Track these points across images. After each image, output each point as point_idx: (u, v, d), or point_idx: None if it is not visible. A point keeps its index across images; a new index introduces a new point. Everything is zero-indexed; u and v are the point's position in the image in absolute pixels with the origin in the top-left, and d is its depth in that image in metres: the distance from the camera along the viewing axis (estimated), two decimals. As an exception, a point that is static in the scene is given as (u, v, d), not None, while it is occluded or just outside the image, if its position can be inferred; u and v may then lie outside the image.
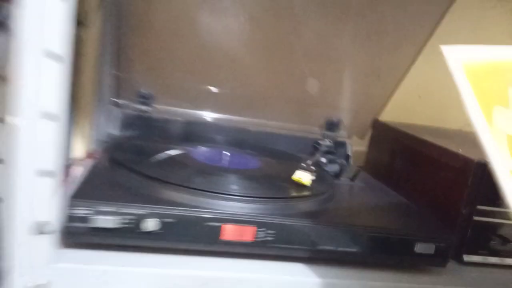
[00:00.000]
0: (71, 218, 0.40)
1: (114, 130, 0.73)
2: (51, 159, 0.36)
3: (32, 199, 0.37)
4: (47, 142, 0.36)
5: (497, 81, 0.34)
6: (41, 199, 0.37)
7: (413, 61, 0.75)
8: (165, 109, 0.73)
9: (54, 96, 0.36)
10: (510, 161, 0.31)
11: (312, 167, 0.58)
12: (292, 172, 0.56)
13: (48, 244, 0.39)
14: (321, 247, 0.47)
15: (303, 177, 0.55)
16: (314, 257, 0.47)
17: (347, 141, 0.81)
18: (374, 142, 0.83)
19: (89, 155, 0.66)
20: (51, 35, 0.35)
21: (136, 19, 0.68)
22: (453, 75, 0.33)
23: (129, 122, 0.73)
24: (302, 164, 0.59)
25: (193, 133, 0.74)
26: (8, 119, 0.34)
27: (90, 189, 0.44)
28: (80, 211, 0.41)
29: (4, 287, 0.38)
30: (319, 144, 0.77)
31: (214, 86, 0.74)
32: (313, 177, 0.56)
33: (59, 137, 0.37)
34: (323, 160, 0.72)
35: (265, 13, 0.70)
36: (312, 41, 0.73)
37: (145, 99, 0.70)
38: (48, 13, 0.35)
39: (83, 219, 0.41)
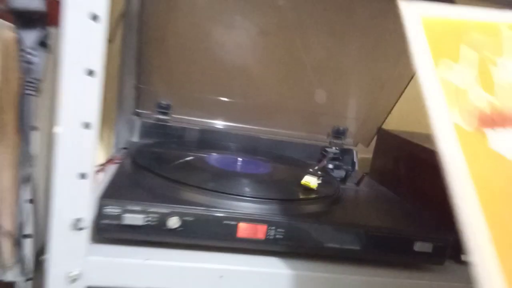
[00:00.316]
0: (103, 216, 0.45)
1: (133, 137, 0.78)
2: (88, 163, 0.41)
3: (72, 199, 0.41)
4: (85, 148, 0.41)
5: (450, 38, 0.35)
6: (78, 199, 0.42)
7: (415, 71, 0.79)
8: (182, 118, 0.78)
9: (91, 108, 0.41)
10: (450, 108, 0.32)
11: (320, 173, 0.62)
12: (301, 177, 0.61)
13: (82, 239, 0.43)
14: (325, 245, 0.51)
15: (311, 181, 0.60)
16: (319, 254, 0.51)
17: (353, 148, 0.85)
18: (378, 150, 0.87)
19: (110, 161, 0.71)
20: (89, 53, 0.40)
21: (155, 34, 0.73)
22: (406, 25, 0.34)
23: (148, 130, 0.78)
24: (310, 169, 0.63)
25: (208, 140, 0.79)
26: (54, 128, 0.39)
27: (118, 190, 0.49)
28: (111, 210, 0.45)
29: (44, 277, 0.43)
30: (326, 151, 0.82)
31: (227, 97, 0.79)
32: (320, 182, 0.61)
33: (93, 144, 0.42)
34: (330, 166, 0.77)
35: (275, 29, 0.75)
36: (320, 54, 0.78)
37: (164, 109, 0.76)
38: (86, 35, 0.40)
39: (114, 217, 0.45)
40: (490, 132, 0.32)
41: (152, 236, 0.47)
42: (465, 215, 0.29)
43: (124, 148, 0.76)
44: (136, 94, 0.76)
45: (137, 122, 0.77)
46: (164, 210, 0.46)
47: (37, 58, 0.42)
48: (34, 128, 0.50)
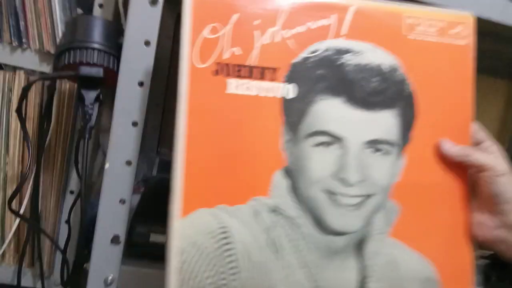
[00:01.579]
0: (133, 234, 0.58)
1: (152, 172, 0.91)
2: (127, 191, 0.54)
3: (113, 219, 0.54)
4: (126, 180, 0.54)
5: (222, 9, 0.44)
6: (118, 219, 0.54)
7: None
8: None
9: (133, 149, 0.54)
10: (195, 56, 0.43)
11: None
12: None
13: (118, 251, 0.55)
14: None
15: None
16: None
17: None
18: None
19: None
20: (134, 110, 0.53)
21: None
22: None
23: (164, 166, 0.91)
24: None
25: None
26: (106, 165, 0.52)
27: (144, 213, 0.62)
28: (140, 229, 0.58)
29: (87, 281, 0.55)
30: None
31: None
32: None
33: (132, 177, 0.55)
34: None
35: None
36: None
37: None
38: (134, 96, 0.53)
39: (142, 235, 0.58)
40: (232, 80, 0.44)
41: (172, 252, 0.59)
42: (177, 131, 0.43)
43: (144, 180, 0.88)
44: (156, 133, 0.89)
45: (157, 158, 0.90)
46: (182, 231, 0.58)
47: (93, 111, 0.56)
48: (78, 163, 0.63)
